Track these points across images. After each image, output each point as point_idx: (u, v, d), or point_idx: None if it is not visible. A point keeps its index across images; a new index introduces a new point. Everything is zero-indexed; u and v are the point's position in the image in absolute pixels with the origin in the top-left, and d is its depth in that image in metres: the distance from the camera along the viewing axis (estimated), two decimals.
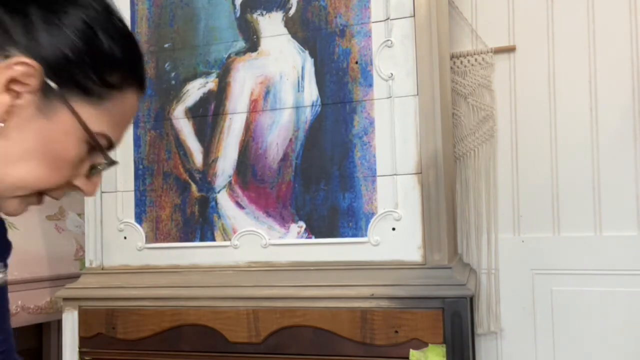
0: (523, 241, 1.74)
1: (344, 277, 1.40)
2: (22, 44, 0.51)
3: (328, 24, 1.47)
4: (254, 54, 1.54)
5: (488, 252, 1.75)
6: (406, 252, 1.39)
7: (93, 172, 0.59)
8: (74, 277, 1.80)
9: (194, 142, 1.58)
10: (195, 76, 1.58)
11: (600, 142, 1.69)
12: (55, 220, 2.04)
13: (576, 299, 1.68)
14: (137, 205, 1.62)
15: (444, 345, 1.30)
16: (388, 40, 1.42)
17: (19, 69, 0.51)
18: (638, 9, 1.67)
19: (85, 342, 1.59)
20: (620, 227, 1.66)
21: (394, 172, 1.40)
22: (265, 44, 1.53)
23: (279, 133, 1.50)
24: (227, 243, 1.53)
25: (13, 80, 0.51)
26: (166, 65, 1.61)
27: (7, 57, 0.51)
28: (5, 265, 0.72)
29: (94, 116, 0.55)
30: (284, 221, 1.49)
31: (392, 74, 1.41)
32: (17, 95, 0.52)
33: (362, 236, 1.42)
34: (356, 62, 1.45)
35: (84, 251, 1.69)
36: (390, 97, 1.41)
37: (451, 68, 1.77)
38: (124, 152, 1.64)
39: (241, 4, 1.55)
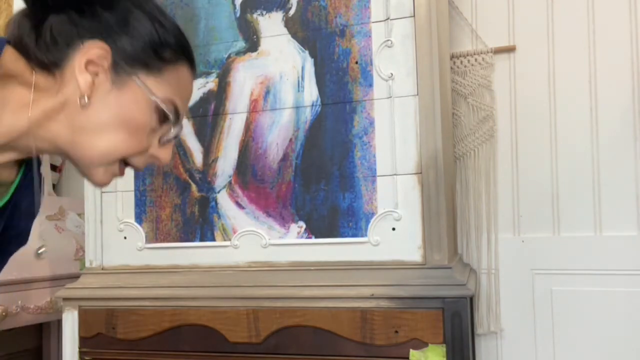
0: (523, 241, 1.74)
1: (344, 277, 1.40)
2: (94, 31, 0.62)
3: (328, 24, 1.47)
4: (254, 54, 1.54)
5: (488, 252, 1.75)
6: (406, 252, 1.39)
7: (165, 140, 0.69)
8: (74, 277, 1.80)
9: (194, 142, 1.58)
10: (195, 76, 1.58)
11: (600, 142, 1.69)
12: (55, 220, 2.04)
13: (576, 299, 1.68)
14: (137, 205, 1.63)
15: (444, 345, 1.30)
16: (388, 40, 1.42)
17: (95, 52, 0.61)
18: (638, 9, 1.67)
19: (85, 342, 1.59)
20: (620, 227, 1.66)
21: (394, 172, 1.40)
22: (265, 44, 1.53)
23: (279, 133, 1.50)
24: (227, 243, 1.53)
25: (90, 62, 0.62)
26: None
27: (83, 43, 0.62)
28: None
29: (156, 85, 0.66)
30: (284, 221, 1.49)
31: (392, 74, 1.41)
32: (96, 74, 0.62)
33: (362, 236, 1.42)
34: (356, 62, 1.45)
35: (84, 251, 1.69)
36: (390, 97, 1.41)
37: (451, 68, 1.77)
38: None
39: (241, 4, 1.55)
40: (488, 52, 1.76)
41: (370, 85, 1.43)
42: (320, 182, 1.46)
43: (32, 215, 0.75)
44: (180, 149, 1.59)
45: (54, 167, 2.38)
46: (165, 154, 0.70)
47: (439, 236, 1.36)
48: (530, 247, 1.73)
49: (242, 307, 1.45)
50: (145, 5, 0.66)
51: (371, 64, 1.43)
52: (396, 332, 1.33)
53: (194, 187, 1.57)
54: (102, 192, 1.65)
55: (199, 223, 1.56)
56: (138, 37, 0.65)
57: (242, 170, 1.53)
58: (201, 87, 1.57)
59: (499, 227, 1.76)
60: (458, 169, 1.79)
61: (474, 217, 1.77)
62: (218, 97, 1.56)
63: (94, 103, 0.63)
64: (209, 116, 1.56)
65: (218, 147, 1.55)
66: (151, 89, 0.65)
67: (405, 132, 1.40)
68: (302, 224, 1.47)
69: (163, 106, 0.66)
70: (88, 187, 1.66)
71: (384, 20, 1.43)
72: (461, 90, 1.78)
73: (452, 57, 1.78)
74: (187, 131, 1.58)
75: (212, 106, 1.56)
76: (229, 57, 1.56)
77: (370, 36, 1.44)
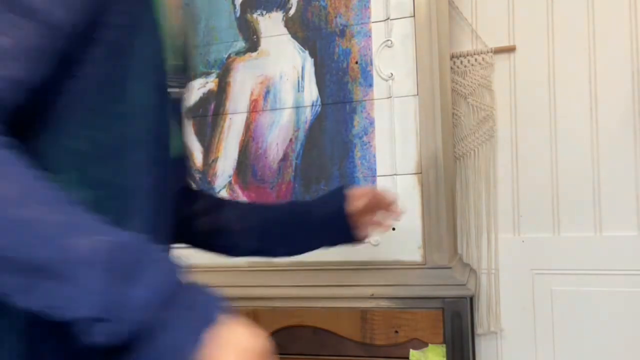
0: (523, 241, 1.74)
1: (344, 277, 1.40)
2: None
3: (328, 24, 1.47)
4: (254, 54, 1.54)
5: (488, 252, 1.75)
6: (406, 252, 1.39)
7: None
8: None
9: (194, 142, 1.58)
10: (195, 76, 1.58)
11: (600, 142, 1.69)
12: None
13: (576, 299, 1.68)
14: None
15: (444, 345, 1.30)
16: (388, 40, 1.42)
17: None
18: (638, 9, 1.67)
19: None
20: (620, 227, 1.66)
21: (394, 172, 1.40)
22: (265, 44, 1.53)
23: (279, 133, 1.50)
24: None
25: None
26: None
27: None
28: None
29: None
30: None
31: (392, 74, 1.41)
32: None
33: None
34: (356, 62, 1.45)
35: None
36: (390, 97, 1.41)
37: (451, 68, 1.77)
38: None
39: (241, 4, 1.55)
40: (488, 52, 1.76)
41: (370, 85, 1.43)
42: (320, 182, 1.46)
43: None
44: None
45: None
46: None
47: (439, 236, 1.36)
48: (530, 247, 1.73)
49: (242, 307, 1.45)
50: None
51: (371, 64, 1.43)
52: (396, 332, 1.33)
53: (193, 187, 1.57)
54: None
55: None
56: None
57: (242, 170, 1.53)
58: (201, 87, 1.57)
59: (499, 227, 1.76)
60: (458, 169, 1.79)
61: (474, 217, 1.77)
62: (218, 97, 1.56)
63: None
64: (209, 116, 1.56)
65: (218, 147, 1.55)
66: None
67: (405, 132, 1.40)
68: None
69: None
70: None
71: (384, 20, 1.43)
72: (461, 90, 1.78)
73: (452, 57, 1.78)
74: (187, 131, 1.58)
75: (212, 106, 1.56)
76: (229, 57, 1.56)
77: (370, 36, 1.44)
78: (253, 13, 1.54)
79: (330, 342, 1.38)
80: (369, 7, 1.44)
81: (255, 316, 1.44)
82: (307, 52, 1.49)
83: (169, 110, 0.72)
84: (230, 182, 1.53)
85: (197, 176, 1.57)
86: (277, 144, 1.50)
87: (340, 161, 1.45)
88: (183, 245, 0.86)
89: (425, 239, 1.37)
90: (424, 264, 1.37)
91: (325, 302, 1.38)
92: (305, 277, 1.43)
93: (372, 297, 1.35)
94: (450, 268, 1.35)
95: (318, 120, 1.47)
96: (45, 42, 0.56)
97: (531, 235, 1.74)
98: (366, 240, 0.98)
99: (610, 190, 1.67)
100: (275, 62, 1.51)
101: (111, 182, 0.63)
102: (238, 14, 1.56)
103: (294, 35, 1.50)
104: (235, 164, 1.53)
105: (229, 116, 1.54)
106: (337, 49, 1.46)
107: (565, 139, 1.72)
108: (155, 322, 0.50)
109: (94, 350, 0.50)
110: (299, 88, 1.49)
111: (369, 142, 1.43)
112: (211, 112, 1.56)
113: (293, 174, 1.48)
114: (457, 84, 1.79)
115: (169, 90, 0.71)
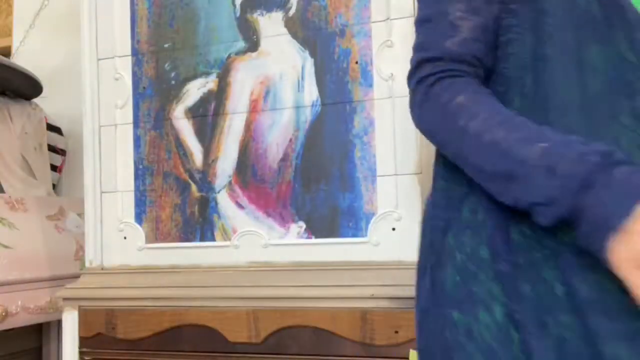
0: None
1: (344, 277, 1.40)
2: None
3: (328, 24, 1.47)
4: (254, 54, 1.54)
5: None
6: (406, 252, 1.39)
7: None
8: (74, 277, 1.80)
9: (194, 142, 1.58)
10: (195, 76, 1.58)
11: None
12: (55, 220, 2.05)
13: None
14: (137, 205, 1.63)
15: None
16: (388, 40, 1.42)
17: None
18: None
19: (85, 342, 1.59)
20: None
21: (395, 172, 1.40)
22: (265, 44, 1.53)
23: (279, 133, 1.50)
24: (227, 243, 1.53)
25: None
26: (166, 65, 1.61)
27: None
28: None
29: None
30: (284, 221, 1.49)
31: (392, 74, 1.41)
32: None
33: (362, 236, 1.42)
34: (356, 62, 1.45)
35: (84, 251, 1.70)
36: (391, 97, 1.41)
37: None
38: (124, 152, 1.64)
39: (241, 4, 1.55)
40: None
41: (371, 85, 1.43)
42: (320, 182, 1.46)
43: None
44: (180, 149, 1.59)
45: (54, 167, 2.38)
46: None
47: None
48: None
49: (242, 307, 1.45)
50: None
51: (371, 64, 1.43)
52: (396, 332, 1.33)
53: (194, 187, 1.57)
54: (102, 192, 1.65)
55: (199, 223, 1.56)
56: None
57: (242, 170, 1.53)
58: (201, 87, 1.57)
59: None
60: None
61: None
62: (218, 97, 1.56)
63: None
64: (209, 116, 1.56)
65: (218, 147, 1.55)
66: None
67: (405, 132, 1.40)
68: (302, 224, 1.47)
69: None
70: (88, 187, 1.66)
71: (384, 20, 1.43)
72: None
73: None
74: (187, 131, 1.58)
75: (212, 106, 1.56)
76: (229, 57, 1.56)
77: (370, 36, 1.44)
78: (253, 13, 1.54)
79: (330, 342, 1.38)
80: (369, 7, 1.44)
81: (255, 316, 1.44)
82: (307, 52, 1.49)
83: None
84: (230, 182, 1.54)
85: (197, 176, 1.57)
86: (277, 144, 1.50)
87: (340, 161, 1.45)
88: None
89: None
90: None
91: (325, 302, 1.38)
92: (305, 277, 1.43)
93: (372, 297, 1.35)
94: None
95: (318, 120, 1.47)
96: None
97: None
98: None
99: None
100: (275, 62, 1.51)
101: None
102: (238, 14, 1.56)
103: (294, 35, 1.50)
104: (235, 164, 1.53)
105: (229, 116, 1.54)
106: (337, 49, 1.46)
107: None
108: (585, 198, 0.61)
109: (546, 228, 0.66)
110: (299, 88, 1.49)
111: (369, 142, 1.43)
112: (211, 112, 1.56)
113: (293, 174, 1.48)
114: None
115: None
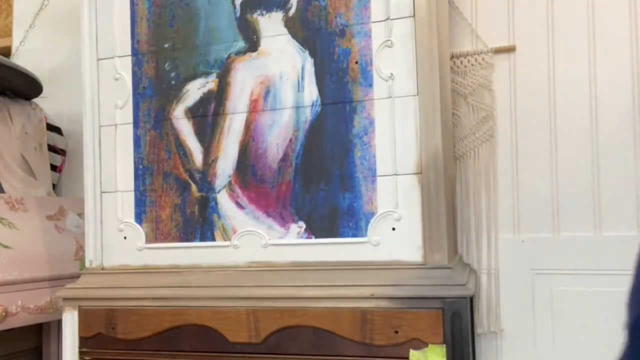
0: (523, 241, 1.74)
1: (344, 277, 1.40)
2: None
3: (328, 24, 1.48)
4: (254, 54, 1.54)
5: (488, 252, 1.75)
6: (406, 252, 1.39)
7: None
8: (74, 277, 1.80)
9: (194, 142, 1.58)
10: (195, 76, 1.58)
11: (600, 142, 1.69)
12: (55, 220, 2.05)
13: (576, 299, 1.68)
14: (137, 205, 1.63)
15: (444, 345, 1.30)
16: (388, 40, 1.42)
17: None
18: (638, 9, 1.67)
19: (85, 342, 1.59)
20: (620, 227, 1.66)
21: (394, 172, 1.40)
22: (265, 44, 1.53)
23: (279, 133, 1.50)
24: (227, 243, 1.53)
25: None
26: (166, 65, 1.61)
27: None
28: None
29: None
30: (284, 221, 1.49)
31: (392, 74, 1.41)
32: None
33: (362, 236, 1.42)
34: (356, 62, 1.45)
35: (84, 251, 1.69)
36: (391, 97, 1.41)
37: (451, 68, 1.77)
38: (124, 152, 1.64)
39: (241, 4, 1.55)
40: (488, 52, 1.77)
41: (370, 85, 1.43)
42: (320, 182, 1.46)
43: None
44: (180, 149, 1.59)
45: (54, 167, 2.38)
46: None
47: (439, 236, 1.36)
48: (530, 247, 1.73)
49: (242, 307, 1.45)
50: None
51: (371, 64, 1.43)
52: (396, 332, 1.33)
53: (194, 187, 1.57)
54: (102, 192, 1.65)
55: (199, 223, 1.56)
56: None
57: (242, 170, 1.53)
58: (201, 87, 1.57)
59: (499, 227, 1.76)
60: (458, 169, 1.79)
61: (474, 217, 1.77)
62: (218, 97, 1.56)
63: None
64: (209, 116, 1.56)
65: (218, 147, 1.55)
66: None
67: (405, 132, 1.40)
68: (302, 224, 1.47)
69: None
70: (88, 187, 1.66)
71: (384, 20, 1.43)
72: (461, 90, 1.78)
73: (452, 57, 1.78)
74: (187, 131, 1.58)
75: (212, 106, 1.56)
76: (229, 57, 1.56)
77: (370, 36, 1.44)
78: (253, 13, 1.54)
79: (330, 342, 1.38)
80: (369, 7, 1.44)
81: (255, 316, 1.44)
82: (307, 52, 1.49)
83: None
84: (230, 182, 1.54)
85: (197, 176, 1.57)
86: (277, 144, 1.50)
87: (340, 161, 1.45)
88: None
89: (425, 239, 1.37)
90: (424, 264, 1.37)
91: (325, 302, 1.38)
92: (305, 277, 1.43)
93: (372, 297, 1.35)
94: (450, 268, 1.35)
95: (318, 120, 1.47)
96: None
97: (531, 235, 1.74)
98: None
99: (610, 190, 1.67)
100: (275, 62, 1.51)
101: None
102: (238, 14, 1.56)
103: (294, 35, 1.50)
104: (235, 164, 1.53)
105: (229, 116, 1.54)
106: (337, 49, 1.47)
107: (565, 138, 1.72)
108: None
109: None
110: (299, 88, 1.49)
111: (369, 142, 1.43)
112: (211, 112, 1.56)
113: (293, 174, 1.48)
114: (457, 84, 1.79)
115: None
